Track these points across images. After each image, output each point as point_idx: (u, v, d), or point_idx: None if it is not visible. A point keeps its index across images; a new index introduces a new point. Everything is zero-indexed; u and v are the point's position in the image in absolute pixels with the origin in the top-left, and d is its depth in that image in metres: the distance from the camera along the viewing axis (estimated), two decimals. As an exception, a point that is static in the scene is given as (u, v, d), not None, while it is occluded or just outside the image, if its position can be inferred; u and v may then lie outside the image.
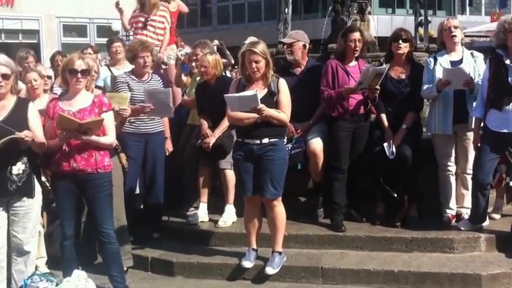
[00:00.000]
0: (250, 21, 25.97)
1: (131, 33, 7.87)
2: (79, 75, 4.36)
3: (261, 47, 4.71)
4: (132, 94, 5.31)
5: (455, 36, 5.28)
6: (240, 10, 27.16)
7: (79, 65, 4.37)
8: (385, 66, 5.29)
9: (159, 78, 5.74)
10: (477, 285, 4.65)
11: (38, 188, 4.49)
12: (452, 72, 5.15)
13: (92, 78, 4.64)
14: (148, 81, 5.52)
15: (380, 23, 15.18)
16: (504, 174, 5.40)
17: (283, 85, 4.80)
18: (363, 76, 5.19)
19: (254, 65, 4.65)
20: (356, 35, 5.45)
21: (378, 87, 5.23)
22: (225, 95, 4.67)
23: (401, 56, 5.47)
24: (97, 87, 5.74)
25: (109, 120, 4.45)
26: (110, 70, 6.78)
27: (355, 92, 5.30)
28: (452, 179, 5.44)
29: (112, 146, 4.57)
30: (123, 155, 5.00)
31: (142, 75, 5.51)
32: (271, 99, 4.71)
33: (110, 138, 4.46)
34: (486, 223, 5.27)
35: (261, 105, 4.54)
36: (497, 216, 5.54)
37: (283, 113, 4.74)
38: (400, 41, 5.40)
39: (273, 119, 4.67)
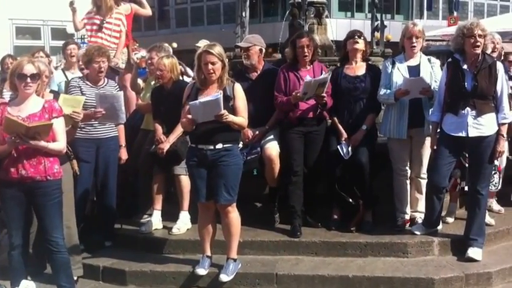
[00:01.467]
0: (210, 24, 25.80)
1: (85, 35, 7.68)
2: (28, 79, 4.22)
3: (218, 49, 4.65)
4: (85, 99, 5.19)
5: (415, 46, 5.32)
6: (199, 13, 26.95)
7: (28, 69, 4.22)
8: (327, 74, 5.28)
9: (115, 84, 5.61)
10: (430, 289, 4.68)
11: None
12: (412, 81, 5.18)
13: (43, 82, 4.50)
14: (103, 87, 5.39)
15: (339, 27, 15.26)
16: (459, 179, 5.47)
17: (238, 90, 4.74)
18: (305, 88, 5.17)
19: (210, 66, 4.57)
20: (304, 41, 5.42)
21: (323, 94, 5.24)
22: (189, 102, 4.58)
23: (357, 52, 5.47)
24: (52, 91, 5.61)
25: (59, 126, 4.33)
26: (64, 74, 6.62)
27: (302, 100, 5.29)
28: (407, 183, 5.48)
29: (62, 152, 4.43)
30: (75, 162, 4.85)
31: (96, 81, 5.37)
32: (227, 104, 4.64)
33: (59, 144, 4.33)
34: (439, 227, 5.32)
35: (224, 111, 4.48)
36: (450, 220, 5.62)
37: (242, 117, 4.70)
38: (356, 37, 5.42)
39: (234, 125, 4.62)
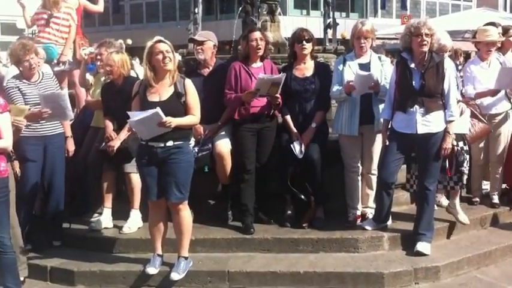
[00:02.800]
0: (165, 21, 25.57)
1: (36, 30, 7.49)
2: None
3: (168, 42, 4.60)
4: (25, 98, 5.07)
5: (363, 46, 5.38)
6: (154, 9, 26.67)
7: None
8: (282, 75, 5.27)
9: (52, 75, 5.45)
10: (380, 283, 4.74)
11: None
12: (362, 77, 5.23)
13: None
14: (39, 82, 5.25)
15: (295, 25, 15.33)
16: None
17: (190, 86, 4.69)
18: (258, 84, 5.17)
19: (166, 54, 4.50)
20: (256, 34, 5.44)
21: (278, 95, 5.24)
22: (129, 120, 4.51)
23: (306, 55, 5.51)
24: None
25: (4, 122, 4.20)
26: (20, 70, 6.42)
27: (254, 97, 5.28)
28: (358, 179, 5.55)
29: (8, 149, 4.32)
30: (16, 163, 4.71)
31: (31, 77, 5.23)
32: (179, 100, 4.59)
33: (5, 141, 4.20)
34: (389, 222, 5.39)
35: (166, 118, 4.42)
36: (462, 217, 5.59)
37: (193, 115, 4.64)
38: (304, 42, 5.44)
39: (183, 126, 4.57)
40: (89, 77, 6.28)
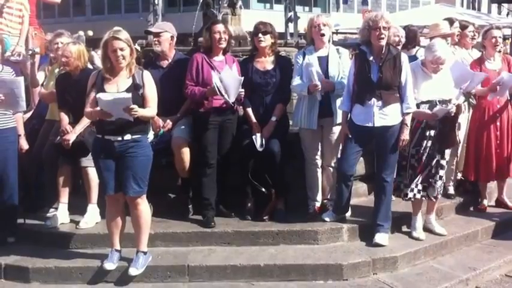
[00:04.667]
0: (127, 12, 25.22)
1: None
2: None
3: (125, 34, 4.51)
4: None
5: (323, 34, 5.38)
6: (116, 0, 26.30)
7: None
8: (241, 78, 5.24)
9: (12, 70, 5.31)
10: (339, 274, 4.77)
11: None
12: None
13: None
14: None
15: (258, 18, 15.31)
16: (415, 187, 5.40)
17: (147, 77, 4.62)
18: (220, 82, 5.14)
19: (119, 52, 4.42)
20: (219, 26, 5.40)
21: (242, 91, 5.23)
22: (99, 96, 4.40)
23: (265, 48, 5.49)
24: None
25: None
26: None
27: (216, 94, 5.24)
28: (318, 171, 5.57)
29: None
30: None
31: None
32: (137, 92, 4.52)
33: None
34: (348, 214, 5.44)
35: (134, 106, 4.36)
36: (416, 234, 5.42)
37: (150, 108, 4.58)
38: (260, 34, 5.43)
39: (144, 118, 4.51)
40: (41, 74, 6.10)
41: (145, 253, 4.72)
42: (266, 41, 5.45)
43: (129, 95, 4.38)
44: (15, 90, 4.86)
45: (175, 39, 5.70)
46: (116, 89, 4.51)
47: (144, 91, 4.56)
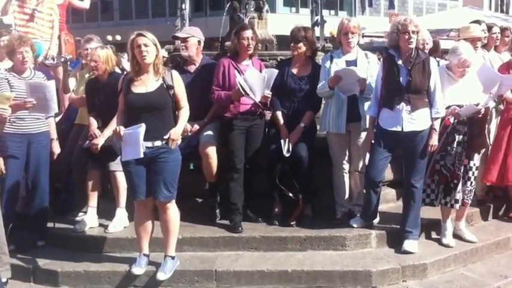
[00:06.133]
0: (154, 17, 25.43)
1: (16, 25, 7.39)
2: None
3: (150, 34, 4.55)
4: (12, 91, 4.98)
5: (351, 42, 5.35)
6: (143, 5, 26.52)
7: None
8: (266, 74, 5.23)
9: (43, 75, 5.39)
10: (367, 281, 4.72)
11: None
12: (345, 71, 5.21)
13: None
14: (30, 78, 5.17)
15: (284, 22, 15.31)
16: (441, 194, 5.32)
17: (177, 77, 4.66)
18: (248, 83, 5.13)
19: (144, 48, 4.44)
20: (248, 32, 5.40)
21: (269, 93, 5.20)
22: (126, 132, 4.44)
23: (299, 55, 5.47)
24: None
25: None
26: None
27: (243, 96, 5.23)
28: (346, 177, 5.53)
29: None
30: (0, 160, 4.63)
31: (22, 71, 5.16)
32: (168, 92, 4.55)
33: None
34: (376, 220, 5.38)
35: (174, 132, 4.48)
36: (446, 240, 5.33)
37: (183, 108, 4.62)
38: (292, 44, 5.42)
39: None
40: (72, 80, 6.20)
41: (173, 258, 4.73)
42: (299, 49, 5.43)
43: (139, 129, 4.41)
44: (47, 94, 4.93)
45: (202, 44, 5.73)
46: (145, 89, 4.54)
47: (174, 91, 4.59)
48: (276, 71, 5.30)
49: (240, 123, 5.36)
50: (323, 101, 5.65)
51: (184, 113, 4.65)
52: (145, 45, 4.45)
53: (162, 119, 4.53)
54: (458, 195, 5.29)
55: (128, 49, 4.58)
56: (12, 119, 4.94)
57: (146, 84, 4.55)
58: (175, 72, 4.68)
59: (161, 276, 4.62)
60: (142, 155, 4.43)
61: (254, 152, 5.47)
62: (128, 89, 4.55)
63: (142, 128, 4.38)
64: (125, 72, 4.74)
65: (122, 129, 4.46)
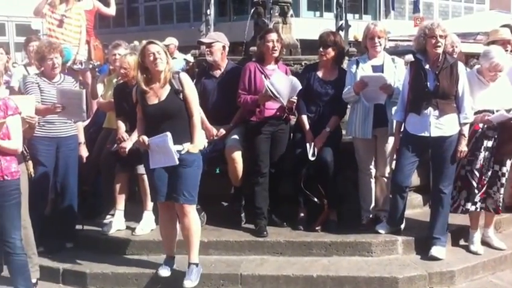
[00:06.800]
0: (179, 22, 25.61)
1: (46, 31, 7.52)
2: None
3: (160, 43, 4.59)
4: (42, 96, 5.09)
5: (377, 46, 5.34)
6: (168, 10, 26.74)
7: None
8: (292, 77, 5.23)
9: (73, 80, 5.48)
10: (394, 288, 4.69)
11: None
12: (368, 78, 5.20)
13: None
14: (60, 83, 5.27)
15: (308, 26, 15.31)
16: (463, 200, 5.25)
17: (185, 79, 4.62)
18: (275, 87, 5.13)
19: (157, 55, 4.46)
20: (273, 35, 5.42)
21: (295, 98, 5.21)
22: (151, 141, 4.47)
23: (327, 60, 5.48)
24: (10, 88, 5.47)
25: (14, 125, 4.20)
26: (26, 70, 6.47)
27: (270, 99, 5.24)
28: (372, 182, 5.50)
29: (17, 151, 4.30)
30: (30, 163, 4.72)
31: (52, 76, 5.26)
32: (177, 97, 4.54)
33: (14, 143, 4.20)
34: (403, 226, 5.34)
35: (186, 148, 4.47)
36: (474, 248, 5.25)
37: (193, 115, 4.56)
38: (321, 49, 5.42)
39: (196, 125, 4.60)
40: (100, 86, 6.30)
41: (197, 265, 4.68)
42: (328, 54, 5.43)
43: (166, 136, 4.42)
44: (77, 101, 5.00)
45: (227, 48, 5.76)
46: (158, 99, 4.55)
47: (184, 93, 4.56)
48: (299, 85, 5.24)
49: (265, 128, 5.38)
50: (349, 106, 5.64)
51: (195, 122, 4.56)
52: (158, 53, 4.48)
53: (180, 123, 4.54)
54: (484, 201, 5.23)
55: (137, 60, 4.60)
56: (41, 122, 5.02)
57: (158, 94, 4.56)
58: (183, 74, 4.68)
59: (188, 284, 4.58)
60: (177, 162, 4.46)
61: (279, 157, 5.48)
62: (143, 101, 4.57)
63: (169, 137, 4.40)
64: (135, 86, 4.75)
65: (146, 139, 4.50)
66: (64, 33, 6.94)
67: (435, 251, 5.02)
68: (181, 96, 4.55)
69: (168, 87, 4.56)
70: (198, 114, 4.63)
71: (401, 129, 5.21)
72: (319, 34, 5.54)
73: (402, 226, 5.34)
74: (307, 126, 5.44)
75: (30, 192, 4.83)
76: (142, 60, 4.52)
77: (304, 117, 5.47)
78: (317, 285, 4.74)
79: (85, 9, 7.20)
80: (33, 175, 4.73)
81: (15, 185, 4.24)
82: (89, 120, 6.35)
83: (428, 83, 4.99)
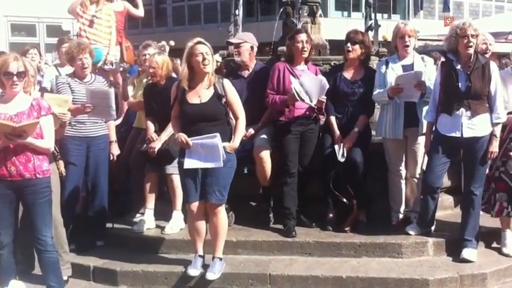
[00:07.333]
0: (206, 23, 25.72)
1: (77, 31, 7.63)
2: (14, 78, 4.16)
3: (208, 44, 4.62)
4: (74, 96, 5.15)
5: (408, 45, 5.28)
6: (196, 11, 26.88)
7: (14, 67, 4.16)
8: (322, 78, 5.22)
9: (103, 79, 5.56)
10: (424, 290, 4.64)
11: None
12: (404, 77, 5.15)
13: (30, 80, 4.43)
14: (91, 83, 5.34)
15: (336, 26, 15.21)
16: (505, 202, 5.17)
17: (228, 85, 4.71)
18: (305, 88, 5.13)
19: (206, 56, 4.51)
20: (303, 36, 5.40)
21: (324, 97, 5.19)
22: (193, 141, 4.51)
23: (354, 58, 5.44)
24: (42, 89, 5.56)
25: (47, 125, 4.28)
26: (58, 71, 6.58)
27: (297, 101, 5.23)
28: (402, 183, 5.45)
29: (49, 150, 4.38)
30: (61, 162, 4.80)
31: (83, 77, 5.33)
32: (220, 102, 4.61)
33: (47, 142, 4.28)
34: (434, 227, 5.27)
35: (230, 146, 4.55)
36: (506, 250, 5.18)
37: (239, 118, 4.67)
38: (348, 44, 5.38)
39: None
40: (129, 87, 6.38)
41: (220, 259, 4.77)
42: (355, 51, 5.40)
43: (216, 139, 4.49)
44: (107, 101, 5.08)
45: (255, 49, 5.76)
46: (199, 100, 4.61)
47: (227, 99, 4.63)
48: (327, 84, 5.23)
49: (294, 128, 5.37)
50: (377, 106, 5.60)
51: (240, 124, 4.69)
52: (207, 54, 4.52)
53: (217, 126, 4.60)
54: None
55: (183, 57, 4.63)
56: (72, 122, 5.11)
57: (200, 94, 4.61)
58: (226, 81, 4.74)
59: (211, 276, 4.68)
60: (222, 164, 4.51)
61: (308, 157, 5.46)
62: (184, 98, 4.62)
63: (218, 138, 4.46)
64: (178, 82, 4.79)
65: (187, 138, 4.52)
66: (96, 33, 7.02)
67: (466, 253, 4.95)
68: (223, 101, 4.60)
69: (211, 90, 4.61)
70: (243, 117, 4.70)
71: (433, 130, 5.15)
72: (347, 32, 5.52)
73: (433, 228, 5.27)
74: (336, 127, 5.41)
75: (61, 191, 4.93)
76: (189, 59, 4.55)
77: (333, 118, 5.45)
78: (346, 286, 4.71)
79: (115, 10, 7.28)
80: (64, 174, 4.81)
81: (46, 183, 4.32)
82: (120, 119, 6.43)
83: (459, 84, 4.93)
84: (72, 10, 7.22)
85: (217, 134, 4.48)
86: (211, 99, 4.61)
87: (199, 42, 4.57)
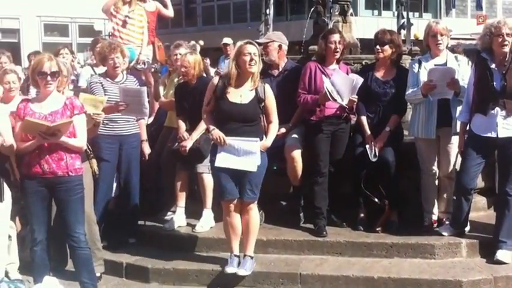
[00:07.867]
0: (236, 22, 25.81)
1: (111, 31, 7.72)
2: (48, 77, 4.24)
3: (257, 45, 4.71)
4: (106, 95, 5.21)
5: (440, 44, 5.22)
6: (225, 10, 27.00)
7: (48, 67, 4.24)
8: (353, 77, 5.18)
9: (135, 79, 5.62)
10: (458, 291, 4.58)
11: (7, 192, 4.38)
12: (439, 71, 5.08)
13: (64, 80, 4.51)
14: (122, 82, 5.41)
15: (366, 25, 15.10)
16: None
17: (269, 91, 4.79)
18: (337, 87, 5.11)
19: (254, 56, 4.56)
20: (336, 36, 5.37)
21: (355, 97, 5.16)
22: (229, 141, 4.57)
23: (384, 58, 5.40)
24: (78, 88, 5.65)
25: (80, 124, 4.35)
26: (93, 70, 6.67)
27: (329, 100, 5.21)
28: (435, 183, 5.38)
29: (82, 149, 4.45)
30: (94, 161, 4.87)
31: (115, 76, 5.40)
32: (259, 105, 4.69)
33: (79, 141, 4.35)
34: (467, 228, 5.19)
35: (263, 144, 4.61)
36: None
37: (273, 122, 4.78)
38: (378, 46, 5.35)
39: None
40: (160, 88, 6.44)
41: (251, 257, 4.79)
42: (385, 51, 5.35)
43: (256, 142, 4.59)
44: (139, 99, 5.14)
45: (284, 47, 5.74)
46: (240, 100, 4.65)
47: (265, 103, 4.71)
48: (361, 79, 5.22)
49: (325, 127, 5.34)
50: (409, 105, 5.53)
51: (273, 128, 4.78)
52: (254, 54, 4.57)
53: (251, 127, 4.65)
54: None
55: (232, 55, 4.71)
56: (105, 121, 5.16)
57: (241, 94, 4.66)
58: (267, 86, 4.79)
59: (242, 272, 4.71)
60: (256, 169, 4.57)
61: (339, 156, 5.44)
62: (224, 96, 4.65)
63: (258, 145, 4.57)
64: (220, 77, 4.83)
65: (224, 136, 4.57)
66: (129, 33, 7.10)
67: (501, 254, 4.86)
68: (262, 105, 4.67)
69: (253, 92, 4.67)
70: (276, 121, 4.80)
71: (467, 130, 5.07)
72: (375, 32, 5.47)
73: (466, 229, 5.19)
74: (367, 127, 5.37)
75: (94, 189, 4.99)
76: (237, 58, 4.60)
77: (364, 118, 5.41)
78: (378, 287, 4.68)
79: (148, 10, 7.35)
80: (97, 173, 4.87)
81: (79, 180, 4.39)
82: (151, 118, 6.48)
83: (494, 83, 4.85)
84: (106, 10, 7.31)
85: (258, 139, 4.53)
86: (251, 101, 4.66)
87: (248, 43, 4.63)
